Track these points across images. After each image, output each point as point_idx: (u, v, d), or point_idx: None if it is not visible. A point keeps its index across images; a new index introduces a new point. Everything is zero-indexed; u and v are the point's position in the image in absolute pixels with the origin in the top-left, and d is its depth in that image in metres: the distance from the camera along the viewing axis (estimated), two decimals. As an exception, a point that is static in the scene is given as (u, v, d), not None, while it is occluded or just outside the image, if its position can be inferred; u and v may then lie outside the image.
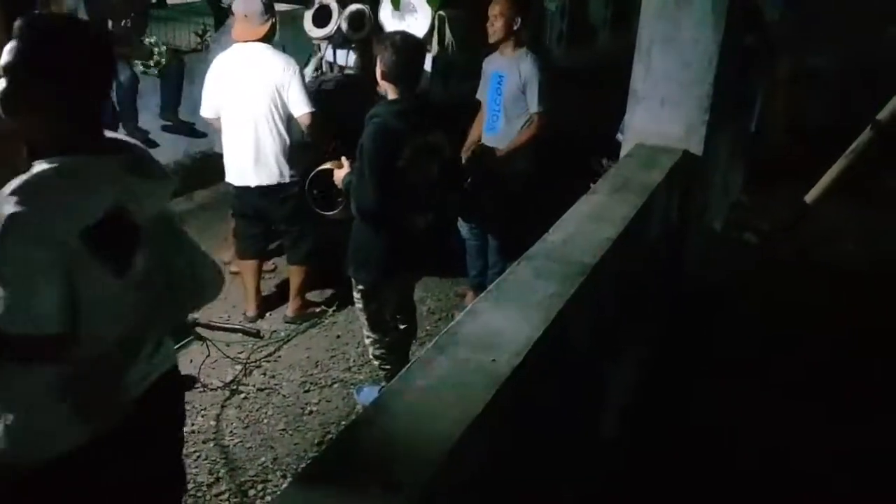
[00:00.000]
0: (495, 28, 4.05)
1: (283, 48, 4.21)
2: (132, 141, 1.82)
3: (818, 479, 2.93)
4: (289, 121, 3.89)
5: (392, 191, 2.93)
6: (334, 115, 4.10)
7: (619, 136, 4.01)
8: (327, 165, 3.34)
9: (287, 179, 3.94)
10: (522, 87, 4.06)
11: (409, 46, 3.02)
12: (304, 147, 4.05)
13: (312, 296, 4.45)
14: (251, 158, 3.85)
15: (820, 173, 4.65)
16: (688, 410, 3.30)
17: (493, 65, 4.25)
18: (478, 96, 4.43)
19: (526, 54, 4.08)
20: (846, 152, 4.50)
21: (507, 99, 4.14)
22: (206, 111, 3.96)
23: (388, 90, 3.05)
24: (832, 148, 4.59)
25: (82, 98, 1.60)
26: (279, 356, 3.94)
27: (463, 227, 4.44)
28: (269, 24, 3.86)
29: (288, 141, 3.91)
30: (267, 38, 3.86)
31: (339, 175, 3.19)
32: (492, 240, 4.37)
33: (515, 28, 4.05)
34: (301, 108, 3.85)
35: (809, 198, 4.68)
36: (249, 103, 3.80)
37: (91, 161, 1.60)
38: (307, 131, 3.94)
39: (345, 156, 3.20)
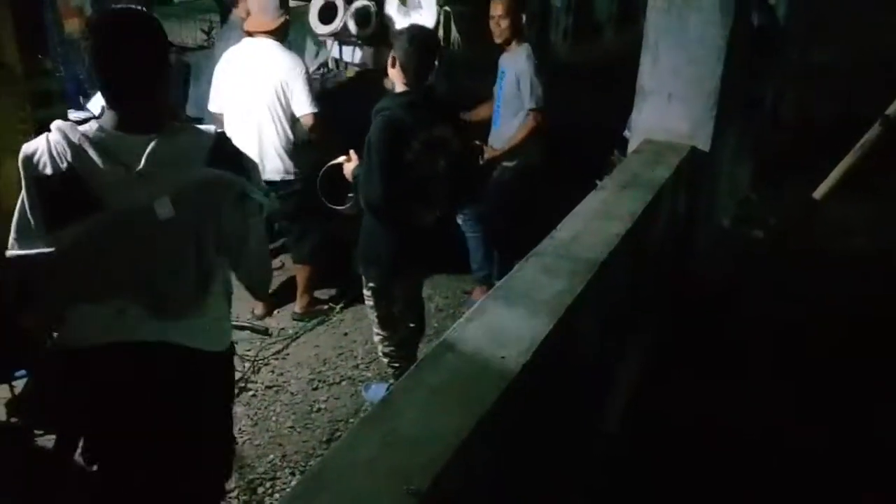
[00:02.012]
0: (502, 28, 4.05)
1: (290, 45, 4.21)
2: (186, 134, 1.96)
3: (826, 474, 2.93)
4: (293, 118, 3.89)
5: (400, 185, 2.93)
6: (342, 111, 4.10)
7: (627, 133, 4.00)
8: (337, 160, 3.34)
9: (291, 176, 3.94)
10: (517, 83, 4.06)
11: (424, 39, 3.02)
12: (308, 145, 4.05)
13: (320, 293, 4.45)
14: (255, 154, 3.85)
15: (829, 169, 4.62)
16: (694, 406, 3.29)
17: (502, 60, 4.25)
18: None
19: (522, 50, 4.08)
20: (855, 148, 4.47)
21: (506, 94, 4.15)
22: (214, 106, 3.96)
23: (397, 82, 3.04)
24: (841, 143, 4.57)
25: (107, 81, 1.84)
26: (287, 354, 3.95)
27: (461, 222, 4.42)
28: (281, 20, 3.85)
29: (292, 138, 3.91)
30: (278, 35, 3.86)
31: (349, 168, 3.19)
32: (494, 237, 4.37)
33: (520, 25, 4.07)
34: (304, 108, 3.85)
35: (818, 193, 4.64)
36: (254, 99, 3.80)
37: (96, 131, 1.82)
38: (310, 131, 3.94)
39: (353, 149, 3.20)
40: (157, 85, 1.89)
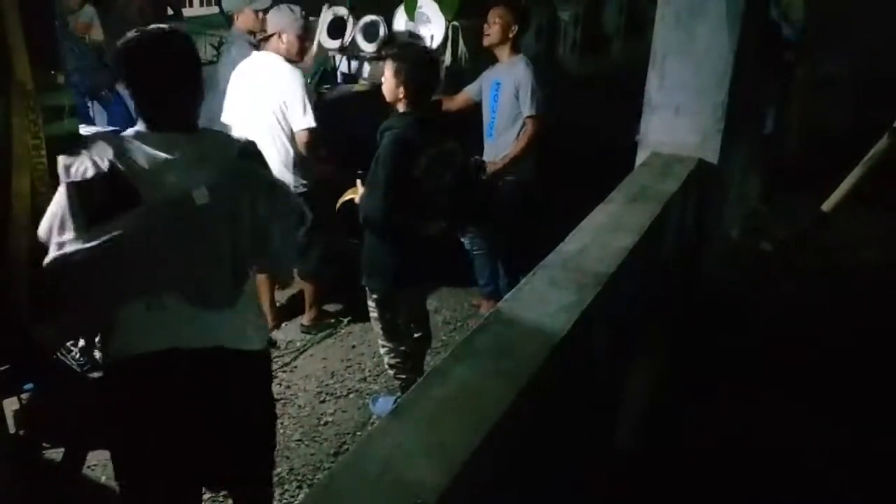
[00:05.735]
0: (491, 32, 4.12)
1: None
2: (215, 133, 2.22)
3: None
4: (293, 132, 3.90)
5: (403, 201, 2.93)
6: (348, 125, 4.12)
7: (639, 138, 3.98)
8: (346, 196, 3.33)
9: (296, 189, 3.93)
10: (516, 93, 4.09)
11: (425, 60, 3.03)
12: (311, 159, 4.05)
13: (328, 306, 4.46)
14: None
15: (837, 181, 4.61)
16: (702, 419, 3.27)
17: (493, 72, 4.28)
18: (466, 89, 4.49)
19: (520, 60, 4.14)
20: (864, 159, 4.47)
21: (503, 105, 4.18)
22: (227, 117, 3.98)
23: (400, 102, 3.05)
24: (849, 155, 4.56)
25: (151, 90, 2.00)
26: (295, 366, 3.95)
27: (464, 239, 4.42)
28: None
29: (292, 151, 3.90)
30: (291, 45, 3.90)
31: (358, 199, 3.19)
32: (499, 251, 4.37)
33: (511, 35, 4.10)
34: (300, 123, 3.84)
35: (827, 206, 4.64)
36: (257, 112, 3.82)
37: (134, 134, 1.96)
38: (303, 147, 3.90)
39: (358, 162, 3.20)
40: (192, 94, 2.04)
